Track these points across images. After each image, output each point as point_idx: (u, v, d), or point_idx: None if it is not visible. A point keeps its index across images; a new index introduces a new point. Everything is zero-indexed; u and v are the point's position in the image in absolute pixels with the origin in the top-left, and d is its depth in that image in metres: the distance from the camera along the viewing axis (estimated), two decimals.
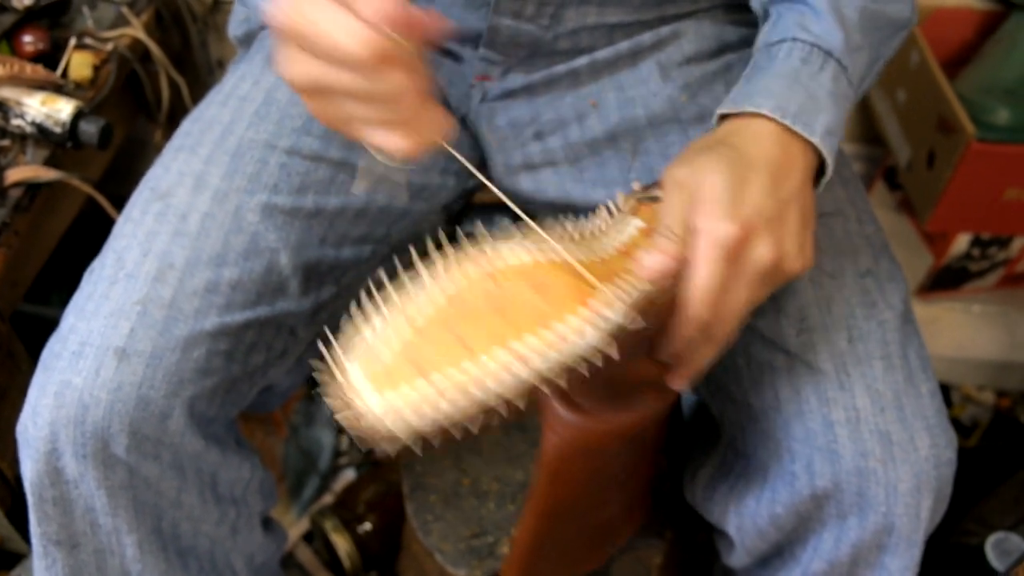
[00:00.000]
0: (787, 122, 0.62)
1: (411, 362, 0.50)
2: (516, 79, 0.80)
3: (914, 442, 0.69)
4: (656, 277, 0.57)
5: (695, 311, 0.58)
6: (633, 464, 0.78)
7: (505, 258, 0.56)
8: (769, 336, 0.73)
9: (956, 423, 1.40)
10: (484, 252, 0.56)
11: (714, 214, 0.58)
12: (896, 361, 0.71)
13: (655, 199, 0.66)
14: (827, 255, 0.74)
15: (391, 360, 0.50)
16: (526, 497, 0.78)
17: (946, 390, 1.42)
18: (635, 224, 0.65)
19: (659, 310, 0.59)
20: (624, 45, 0.79)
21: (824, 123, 0.63)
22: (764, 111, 0.62)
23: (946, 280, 1.37)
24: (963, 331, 1.37)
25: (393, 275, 0.55)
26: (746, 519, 0.79)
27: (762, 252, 0.59)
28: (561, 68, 0.79)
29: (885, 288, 0.74)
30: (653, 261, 0.58)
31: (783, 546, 0.79)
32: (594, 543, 0.88)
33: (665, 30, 0.80)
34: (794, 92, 0.63)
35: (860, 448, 0.69)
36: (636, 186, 0.69)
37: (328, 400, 0.49)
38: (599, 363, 0.53)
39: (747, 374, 0.75)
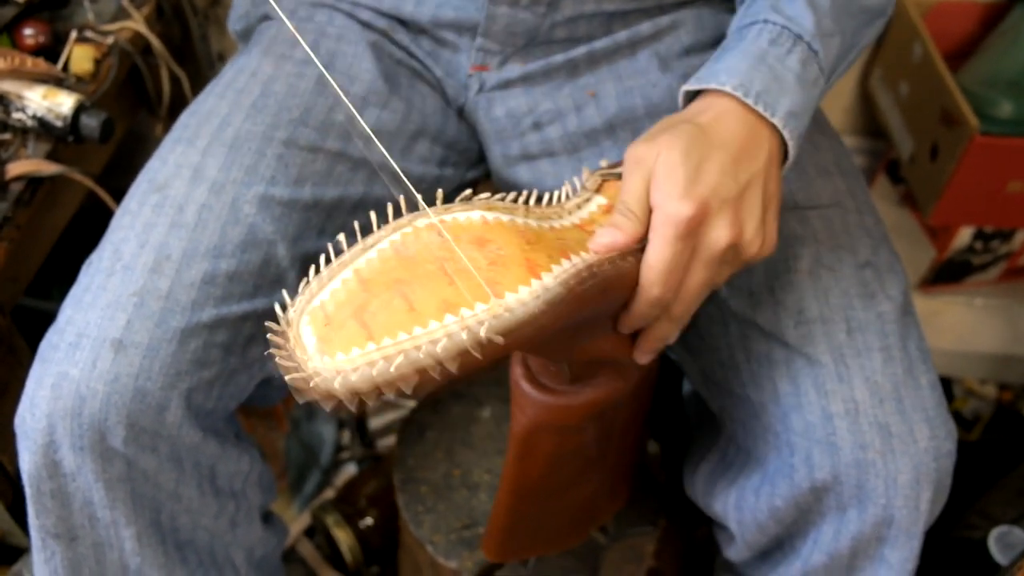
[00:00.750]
0: (749, 101, 0.61)
1: (361, 323, 0.50)
2: (513, 69, 0.79)
3: (913, 434, 0.69)
4: (606, 252, 0.58)
5: (648, 289, 0.59)
6: (605, 442, 0.79)
7: (455, 215, 0.56)
8: (767, 329, 0.73)
9: (958, 416, 1.39)
10: (435, 208, 0.56)
11: (670, 192, 0.58)
12: (895, 353, 0.71)
13: (620, 176, 0.66)
14: (825, 247, 0.74)
15: (342, 320, 0.50)
16: (500, 475, 0.78)
17: (948, 383, 1.42)
18: (597, 201, 0.65)
19: (618, 286, 0.59)
20: (622, 35, 0.79)
21: (788, 105, 0.62)
22: (727, 88, 0.62)
23: (949, 273, 1.37)
24: (965, 324, 1.36)
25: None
26: (746, 512, 0.79)
27: (719, 233, 0.59)
28: (559, 58, 0.79)
29: (884, 280, 0.74)
30: (604, 236, 0.58)
31: (783, 539, 0.79)
32: (574, 520, 0.88)
33: (664, 20, 0.80)
34: (759, 72, 0.63)
35: (859, 440, 0.69)
36: (603, 163, 0.70)
37: (277, 359, 0.50)
38: (539, 331, 0.53)
39: (746, 367, 0.75)
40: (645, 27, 0.79)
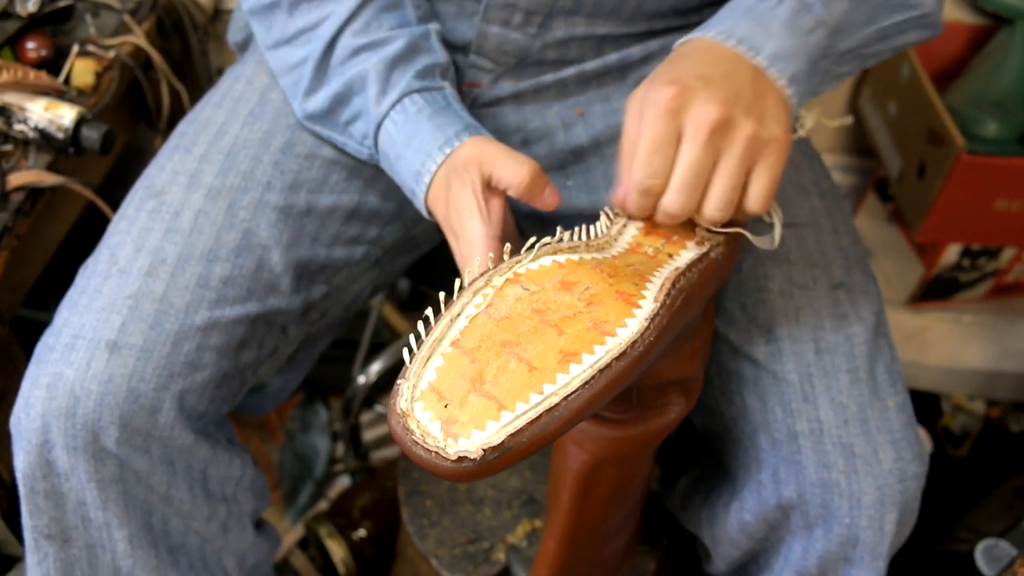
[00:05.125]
0: (731, 43, 0.60)
1: (484, 395, 0.48)
2: (504, 87, 0.81)
3: (878, 455, 0.70)
4: (622, 202, 0.60)
5: (635, 170, 0.58)
6: (647, 475, 0.78)
7: (527, 265, 0.56)
8: (738, 345, 0.74)
9: (947, 432, 1.40)
10: (507, 263, 0.56)
11: (649, 84, 0.58)
12: (862, 375, 0.71)
13: None
14: (799, 266, 0.75)
15: (461, 396, 0.49)
16: (544, 530, 0.76)
17: (937, 399, 1.43)
18: (635, 224, 0.66)
19: (696, 295, 0.59)
20: (613, 58, 0.80)
21: (773, 47, 0.60)
22: (708, 36, 0.61)
23: (937, 290, 1.38)
24: (954, 341, 1.37)
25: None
26: (717, 527, 0.80)
27: (704, 108, 0.56)
28: (549, 78, 0.80)
29: (858, 301, 0.74)
30: (618, 191, 0.60)
31: (757, 553, 0.80)
32: (608, 573, 0.87)
33: (653, 44, 0.81)
34: (743, 21, 0.62)
35: (823, 460, 0.70)
36: None
37: (412, 453, 0.47)
38: (650, 357, 0.53)
39: (718, 383, 0.76)
40: (635, 51, 0.80)
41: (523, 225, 0.87)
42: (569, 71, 0.80)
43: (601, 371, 0.49)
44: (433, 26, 0.74)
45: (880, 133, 1.37)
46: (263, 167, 0.75)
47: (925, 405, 1.41)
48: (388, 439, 1.41)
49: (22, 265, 0.89)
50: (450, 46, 0.80)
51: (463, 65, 0.80)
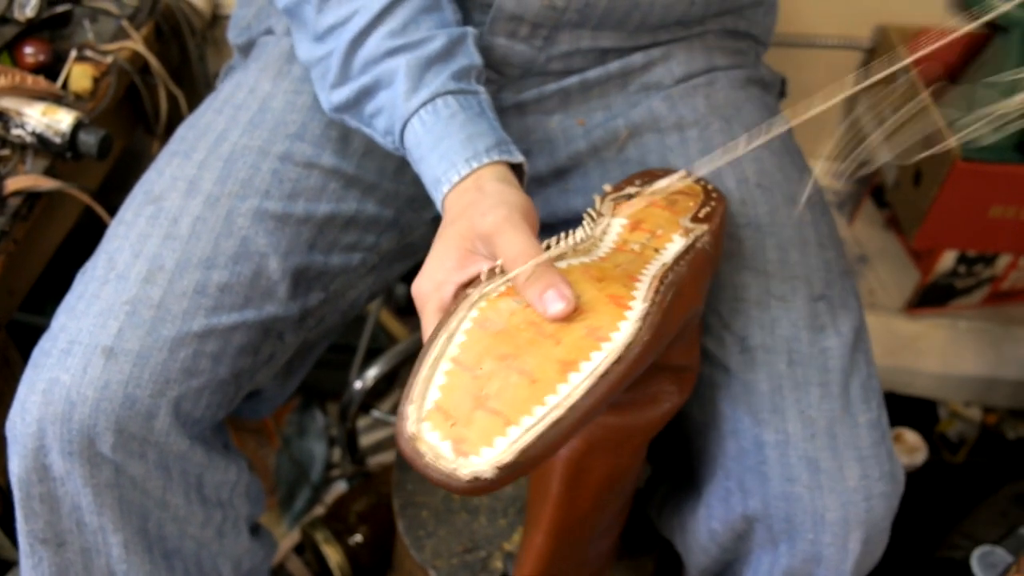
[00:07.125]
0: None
1: (490, 411, 0.49)
2: (507, 97, 0.81)
3: (843, 472, 0.69)
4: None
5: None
6: (636, 473, 0.78)
7: (517, 274, 0.56)
8: (712, 352, 0.74)
9: (943, 439, 1.40)
10: (492, 273, 0.56)
11: None
12: (834, 389, 0.71)
13: (629, 196, 0.68)
14: (777, 278, 0.74)
15: (466, 414, 0.49)
16: (530, 523, 0.76)
17: (933, 406, 1.43)
18: (618, 222, 0.66)
19: (687, 288, 0.60)
20: (615, 66, 0.80)
21: None
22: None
23: (933, 297, 1.38)
24: (950, 347, 1.37)
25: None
26: (688, 534, 0.80)
27: None
28: (552, 87, 0.80)
29: (837, 314, 0.74)
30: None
31: (729, 563, 0.79)
32: None
33: (655, 52, 0.81)
34: None
35: (787, 473, 0.69)
36: (607, 188, 0.71)
37: (426, 473, 0.48)
38: (650, 355, 0.53)
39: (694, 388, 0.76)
40: (637, 58, 0.81)
41: None
42: (572, 80, 0.80)
43: (601, 377, 0.50)
44: (471, 28, 0.72)
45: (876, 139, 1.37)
46: (262, 175, 0.76)
47: (921, 412, 1.41)
48: (384, 444, 1.41)
49: (19, 269, 0.89)
50: None
51: None
